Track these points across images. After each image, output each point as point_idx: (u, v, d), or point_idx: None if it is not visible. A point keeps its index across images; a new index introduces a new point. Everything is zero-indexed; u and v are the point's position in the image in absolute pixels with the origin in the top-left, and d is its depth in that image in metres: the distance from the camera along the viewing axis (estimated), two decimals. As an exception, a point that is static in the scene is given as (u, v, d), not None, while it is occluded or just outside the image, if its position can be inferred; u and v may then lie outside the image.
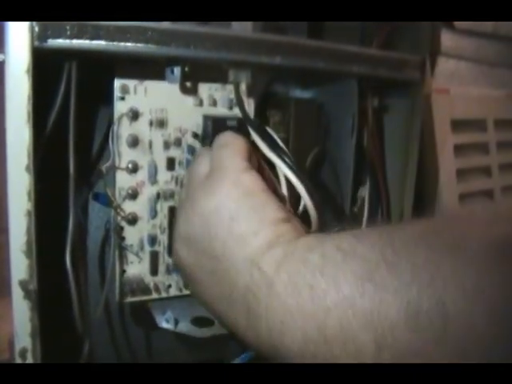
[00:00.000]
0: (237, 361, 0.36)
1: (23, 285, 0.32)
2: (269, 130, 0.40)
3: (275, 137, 0.39)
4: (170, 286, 0.43)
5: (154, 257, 0.42)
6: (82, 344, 0.37)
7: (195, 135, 0.42)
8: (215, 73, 0.41)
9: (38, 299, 0.33)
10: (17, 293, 0.32)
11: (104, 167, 0.39)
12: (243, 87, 0.41)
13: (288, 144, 0.42)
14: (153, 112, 0.40)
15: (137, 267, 0.42)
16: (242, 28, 0.39)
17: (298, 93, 0.44)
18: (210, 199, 0.34)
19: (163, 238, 0.42)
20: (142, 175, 0.41)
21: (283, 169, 0.36)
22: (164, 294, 0.43)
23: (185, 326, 0.40)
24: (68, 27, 0.33)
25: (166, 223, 0.42)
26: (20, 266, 0.32)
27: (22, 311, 0.32)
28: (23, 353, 0.32)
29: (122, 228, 0.41)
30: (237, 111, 0.42)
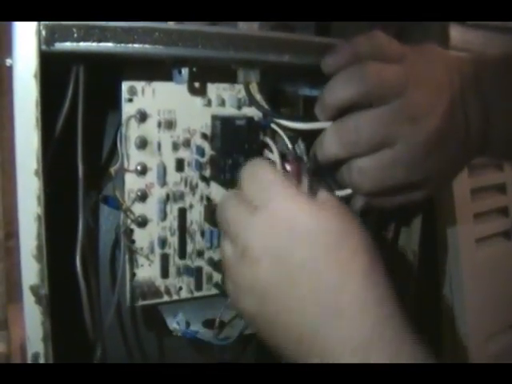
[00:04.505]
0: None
1: (34, 290, 0.32)
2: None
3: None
4: (180, 288, 0.43)
5: (165, 259, 0.42)
6: (95, 348, 0.37)
7: (204, 136, 0.42)
8: (223, 72, 0.41)
9: (50, 304, 0.33)
10: (28, 298, 0.32)
11: (113, 170, 0.39)
12: (254, 86, 0.40)
13: (298, 142, 0.42)
14: (161, 113, 0.40)
15: (147, 270, 0.42)
16: (249, 26, 0.39)
17: (307, 91, 0.44)
18: None
19: (173, 240, 0.42)
20: (151, 177, 0.41)
21: None
22: (175, 297, 0.43)
23: (196, 329, 0.40)
24: (75, 30, 0.33)
25: (175, 225, 0.42)
26: (31, 271, 0.32)
27: (33, 316, 0.32)
28: (35, 357, 0.32)
29: (131, 231, 0.40)
30: (246, 111, 0.42)
